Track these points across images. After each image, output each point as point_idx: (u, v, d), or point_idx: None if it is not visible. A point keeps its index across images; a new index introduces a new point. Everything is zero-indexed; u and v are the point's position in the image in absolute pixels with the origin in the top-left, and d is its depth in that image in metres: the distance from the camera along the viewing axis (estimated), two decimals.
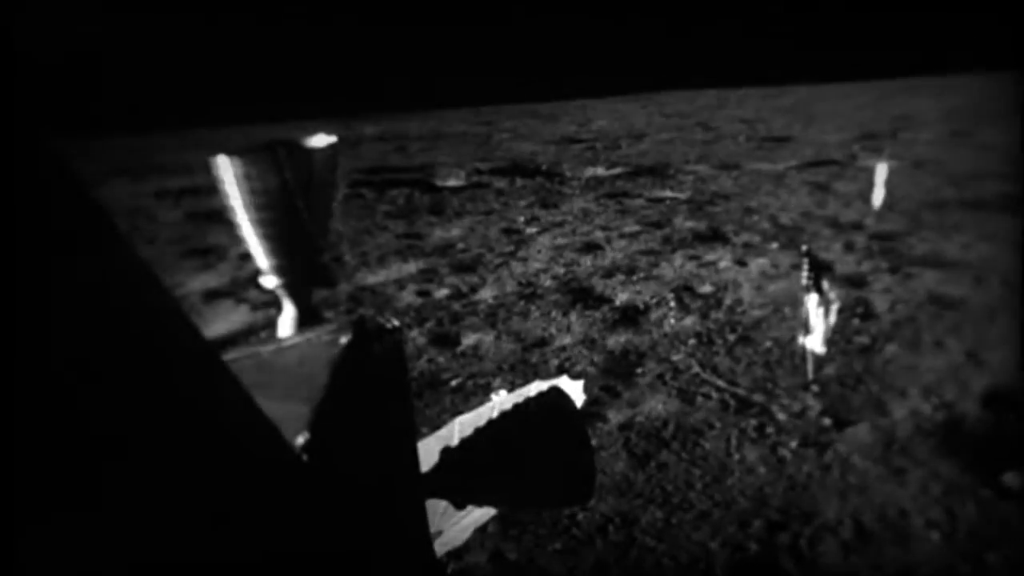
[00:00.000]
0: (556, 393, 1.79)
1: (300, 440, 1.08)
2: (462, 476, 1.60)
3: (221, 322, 6.69)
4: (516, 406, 1.74)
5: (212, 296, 7.40)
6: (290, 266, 1.58)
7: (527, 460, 1.70)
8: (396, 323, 1.24)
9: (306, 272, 1.61)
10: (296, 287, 1.61)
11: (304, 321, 1.60)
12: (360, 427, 1.21)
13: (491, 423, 1.69)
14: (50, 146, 0.77)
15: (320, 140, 1.59)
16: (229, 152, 1.53)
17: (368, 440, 1.23)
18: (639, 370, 5.46)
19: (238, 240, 1.65)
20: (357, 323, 1.22)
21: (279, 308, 1.66)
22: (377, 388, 1.25)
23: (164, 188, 12.38)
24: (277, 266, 1.59)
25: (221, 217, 7.31)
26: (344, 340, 1.19)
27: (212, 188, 1.63)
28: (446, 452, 1.59)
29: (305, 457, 1.07)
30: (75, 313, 0.78)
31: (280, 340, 1.32)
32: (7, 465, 0.73)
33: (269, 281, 1.61)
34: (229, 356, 1.24)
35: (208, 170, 1.60)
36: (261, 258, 1.58)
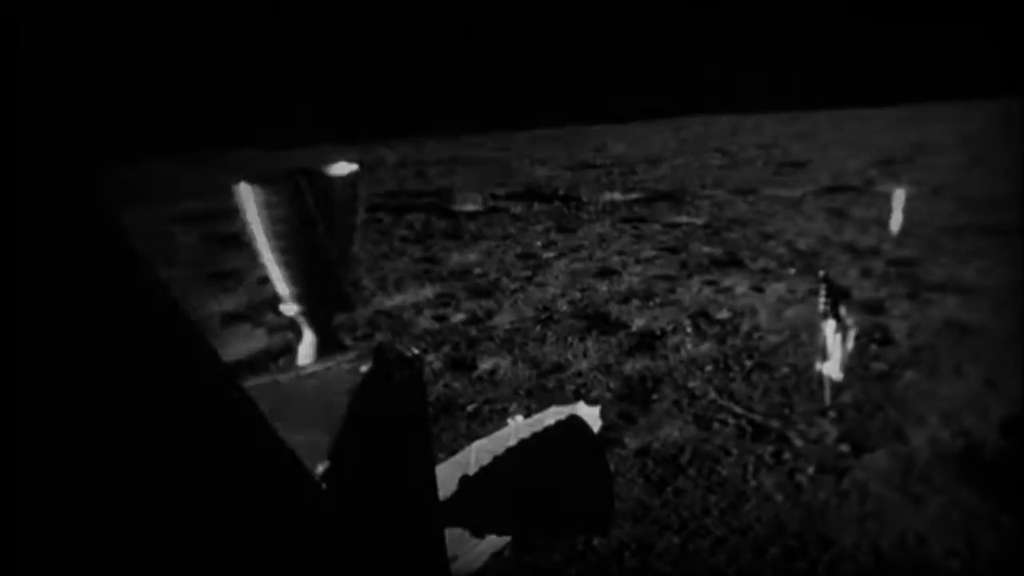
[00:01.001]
0: (573, 420, 1.80)
1: (319, 468, 1.08)
2: (480, 504, 1.60)
3: (238, 345, 6.71)
4: (534, 433, 1.74)
5: (230, 319, 7.43)
6: (310, 294, 1.59)
7: (546, 488, 1.70)
8: (416, 351, 1.25)
9: (326, 299, 1.62)
10: (316, 315, 1.62)
11: (324, 349, 1.61)
12: (380, 455, 1.22)
13: (509, 450, 1.69)
14: (73, 166, 0.78)
15: (341, 168, 1.60)
16: (250, 180, 1.55)
17: (387, 468, 1.24)
18: (656, 396, 5.45)
19: (256, 264, 1.67)
20: (377, 352, 1.23)
21: (298, 335, 1.67)
22: (397, 417, 1.26)
23: (183, 211, 12.46)
24: (297, 294, 1.60)
25: (240, 241, 7.34)
26: (364, 368, 1.20)
27: (231, 212, 1.64)
28: (464, 480, 1.60)
29: (324, 485, 1.08)
30: (93, 331, 0.79)
31: (300, 368, 1.33)
32: (23, 469, 0.74)
33: (289, 308, 1.62)
34: (249, 383, 1.25)
35: (227, 194, 1.61)
36: (281, 285, 1.59)
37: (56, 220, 0.77)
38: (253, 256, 1.64)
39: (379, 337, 6.82)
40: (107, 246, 0.82)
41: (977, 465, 4.46)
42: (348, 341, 5.60)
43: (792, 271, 8.21)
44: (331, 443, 1.12)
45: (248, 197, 1.55)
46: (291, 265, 1.56)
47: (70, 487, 0.78)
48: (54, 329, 0.75)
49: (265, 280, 1.66)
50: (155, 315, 0.87)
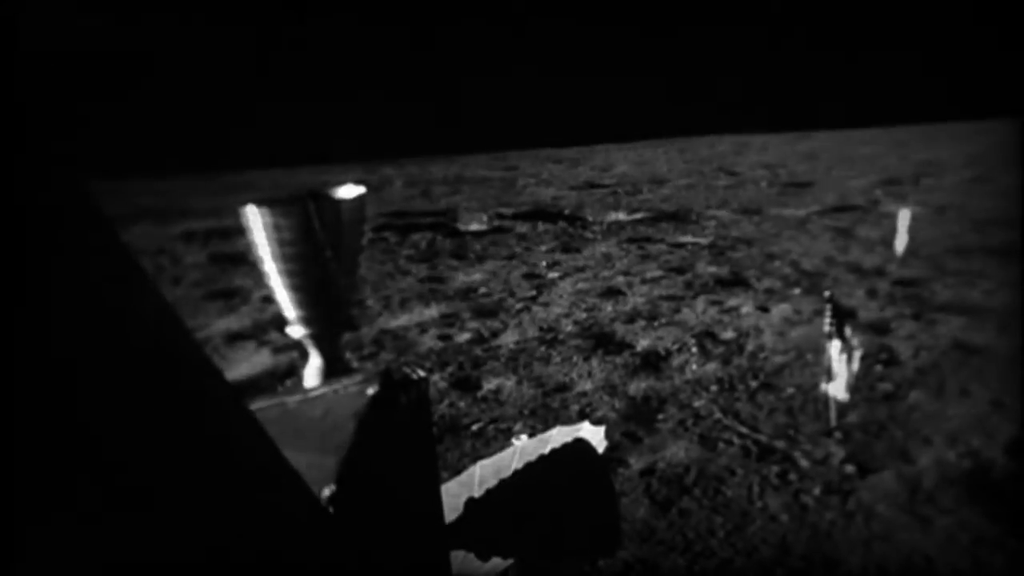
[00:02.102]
0: (579, 442, 1.80)
1: (326, 490, 1.08)
2: (486, 527, 1.60)
3: (243, 364, 6.71)
4: (540, 455, 1.74)
5: (234, 338, 7.44)
6: (317, 317, 1.60)
7: (551, 511, 1.70)
8: (422, 373, 1.25)
9: (333, 322, 1.63)
10: (323, 337, 1.62)
11: (331, 371, 1.61)
12: (385, 478, 1.22)
13: (515, 473, 1.69)
14: (81, 187, 0.79)
15: (349, 191, 1.61)
16: (260, 202, 1.56)
17: (393, 491, 1.24)
18: (661, 416, 5.43)
19: (262, 283, 1.67)
20: (384, 374, 1.23)
21: (304, 356, 1.67)
22: (403, 440, 1.26)
23: (190, 230, 12.49)
24: (304, 316, 1.60)
25: (245, 260, 7.33)
26: (371, 391, 1.20)
27: (237, 231, 1.64)
28: (470, 502, 1.59)
29: (331, 508, 1.08)
30: (93, 343, 0.79)
31: (306, 390, 1.33)
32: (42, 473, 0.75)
33: (296, 331, 1.62)
34: (256, 405, 1.25)
35: (233, 213, 1.62)
36: (289, 308, 1.60)
37: (56, 234, 0.77)
38: (259, 276, 1.65)
39: (384, 356, 6.82)
40: (107, 261, 0.82)
41: (984, 486, 4.44)
42: (353, 361, 5.60)
43: (797, 291, 8.20)
44: (337, 465, 1.12)
45: (256, 219, 1.55)
46: (298, 288, 1.57)
47: (70, 495, 0.78)
48: (55, 340, 0.76)
49: (270, 299, 1.66)
50: (156, 330, 0.87)
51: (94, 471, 0.79)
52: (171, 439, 0.86)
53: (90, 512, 0.80)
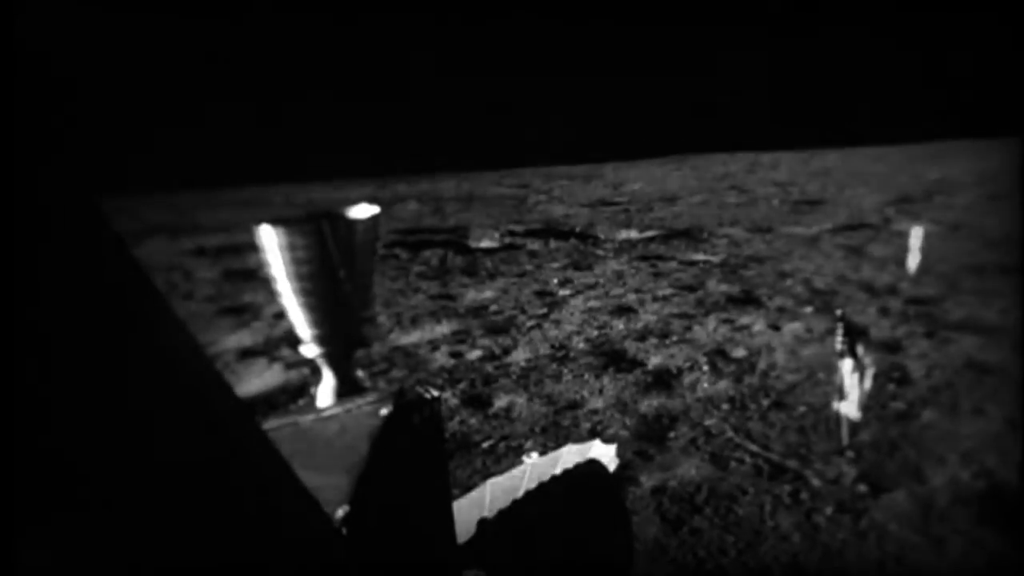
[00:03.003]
0: (590, 460, 1.80)
1: (340, 512, 1.08)
2: (498, 547, 1.60)
3: (255, 381, 6.73)
4: (553, 477, 1.74)
5: (246, 355, 7.45)
6: (330, 337, 1.60)
7: (563, 531, 1.69)
8: (435, 393, 1.26)
9: (346, 342, 1.63)
10: (336, 357, 1.63)
11: (344, 390, 1.61)
12: (399, 499, 1.22)
13: (528, 494, 1.69)
14: (88, 200, 0.79)
15: (363, 211, 1.61)
16: (273, 221, 1.56)
17: (407, 512, 1.24)
18: (672, 434, 5.42)
19: (273, 299, 1.67)
20: (398, 395, 1.23)
21: (317, 375, 1.67)
22: (417, 461, 1.26)
23: (201, 246, 12.55)
24: (317, 336, 1.60)
25: (257, 276, 7.34)
26: (384, 411, 1.20)
27: (248, 247, 1.65)
28: (482, 523, 1.59)
29: (344, 528, 1.08)
30: (106, 361, 0.79)
31: (320, 410, 1.33)
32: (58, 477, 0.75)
33: (310, 350, 1.63)
34: (269, 424, 1.26)
35: (245, 229, 1.62)
36: (302, 327, 1.60)
37: (63, 246, 0.77)
38: (270, 292, 1.65)
39: (395, 373, 6.83)
40: (117, 275, 0.83)
41: (998, 506, 4.41)
42: (366, 379, 5.61)
43: (809, 310, 8.18)
44: (351, 487, 1.12)
45: (270, 238, 1.56)
46: (312, 308, 1.57)
47: (70, 509, 0.78)
48: (62, 353, 0.76)
49: (281, 315, 1.66)
50: (167, 345, 0.87)
51: (96, 485, 0.79)
52: (181, 456, 0.86)
53: (90, 529, 0.80)
